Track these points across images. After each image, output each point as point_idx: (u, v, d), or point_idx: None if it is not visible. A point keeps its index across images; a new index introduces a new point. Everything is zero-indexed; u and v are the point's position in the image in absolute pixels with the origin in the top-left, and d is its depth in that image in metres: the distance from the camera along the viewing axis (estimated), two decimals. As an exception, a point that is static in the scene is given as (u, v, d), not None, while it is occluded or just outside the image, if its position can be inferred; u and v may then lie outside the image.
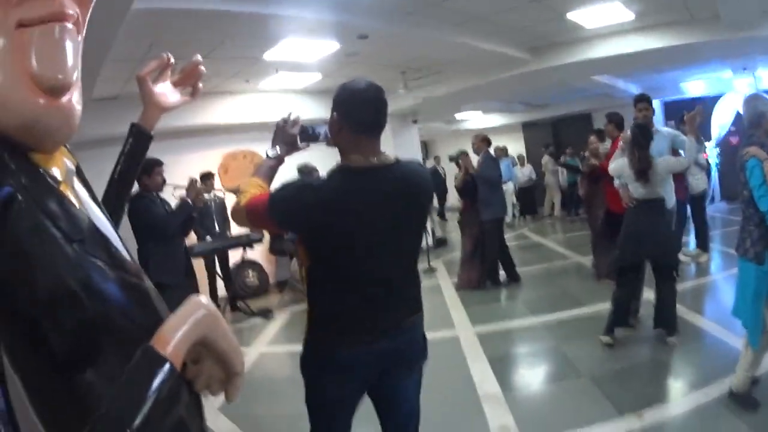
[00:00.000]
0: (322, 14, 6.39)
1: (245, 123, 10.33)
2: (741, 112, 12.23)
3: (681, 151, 6.14)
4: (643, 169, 5.56)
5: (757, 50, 10.31)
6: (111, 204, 1.81)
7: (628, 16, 8.23)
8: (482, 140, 9.01)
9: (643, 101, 6.57)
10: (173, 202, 6.26)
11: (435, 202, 18.74)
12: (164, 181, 6.20)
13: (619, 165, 5.96)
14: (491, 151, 9.27)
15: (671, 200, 6.08)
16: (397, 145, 13.29)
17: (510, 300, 8.37)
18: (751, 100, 4.34)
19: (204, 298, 1.15)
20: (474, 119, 20.89)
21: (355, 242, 2.36)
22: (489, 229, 8.79)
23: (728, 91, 15.75)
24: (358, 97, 2.43)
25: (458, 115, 19.89)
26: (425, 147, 23.39)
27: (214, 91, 9.83)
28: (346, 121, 2.43)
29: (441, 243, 13.88)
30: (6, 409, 0.96)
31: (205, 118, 9.90)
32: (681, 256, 8.75)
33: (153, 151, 5.53)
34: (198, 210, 6.23)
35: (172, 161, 6.39)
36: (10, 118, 1.08)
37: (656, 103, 16.46)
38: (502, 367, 5.70)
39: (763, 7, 7.48)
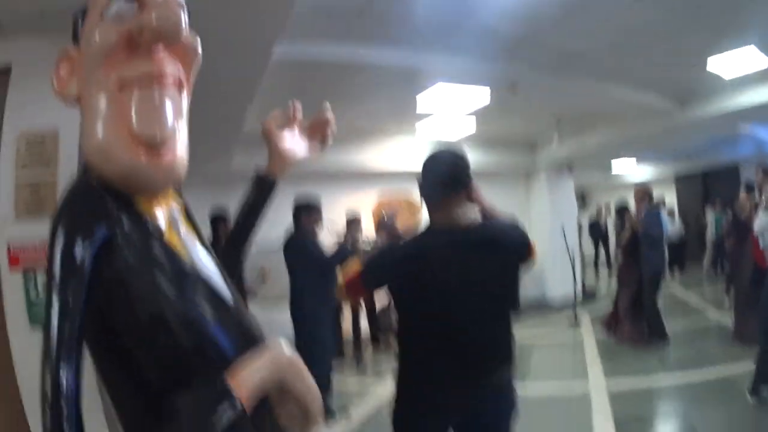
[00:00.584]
0: (472, 63, 6.59)
1: (399, 170, 10.51)
2: None
3: None
4: None
5: None
6: (234, 247, 1.92)
7: (764, 61, 7.80)
8: (645, 193, 8.74)
9: None
10: (325, 237, 6.57)
11: (596, 252, 19.17)
12: (320, 225, 6.42)
13: (763, 223, 5.89)
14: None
15: None
16: (552, 195, 13.31)
17: (649, 358, 8.02)
18: None
19: (286, 343, 1.31)
20: (629, 170, 20.44)
21: (434, 295, 2.51)
22: (648, 286, 8.50)
23: None
24: (432, 162, 2.70)
25: (613, 166, 19.53)
26: (582, 197, 22.98)
27: (370, 131, 10.12)
28: (425, 185, 2.69)
29: (590, 295, 13.54)
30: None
31: (360, 161, 10.22)
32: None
33: (307, 189, 5.86)
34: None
35: (325, 201, 6.67)
36: (113, 169, 1.27)
37: None
38: (626, 428, 5.54)
39: None
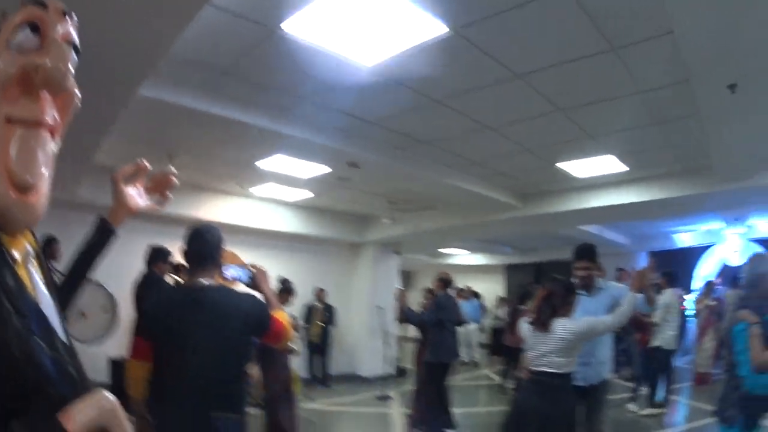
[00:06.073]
0: (315, 138, 6.71)
1: (233, 224, 10.44)
2: (728, 264, 12.20)
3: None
4: (541, 320, 4.69)
5: (752, 200, 10.21)
6: (68, 285, 1.98)
7: (620, 167, 8.34)
8: (439, 280, 8.67)
9: (582, 259, 5.39)
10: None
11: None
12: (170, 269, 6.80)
13: (523, 327, 4.98)
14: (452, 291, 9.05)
15: (596, 375, 5.21)
16: (377, 272, 13.55)
17: None
18: (754, 260, 4.21)
19: (108, 392, 1.36)
20: (458, 256, 21.18)
21: (169, 341, 3.04)
22: (430, 372, 8.35)
23: (718, 241, 16.01)
24: (190, 237, 3.26)
25: (443, 250, 20.17)
26: (407, 277, 23.50)
27: (207, 187, 10.09)
28: (185, 254, 3.26)
29: (402, 373, 13.60)
30: None
31: (195, 211, 9.92)
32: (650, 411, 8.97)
33: (142, 233, 6.09)
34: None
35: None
36: None
37: (644, 253, 16.82)
38: None
39: (760, 155, 7.35)
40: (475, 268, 21.76)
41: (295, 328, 8.53)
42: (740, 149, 7.07)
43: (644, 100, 5.91)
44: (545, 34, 4.56)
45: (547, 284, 4.99)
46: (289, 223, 11.66)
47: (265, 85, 5.68)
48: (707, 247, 16.48)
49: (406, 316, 8.62)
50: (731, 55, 4.35)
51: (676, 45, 4.35)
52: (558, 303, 4.67)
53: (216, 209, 10.45)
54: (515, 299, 12.46)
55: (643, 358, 10.00)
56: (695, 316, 12.83)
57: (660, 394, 9.29)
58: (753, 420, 3.92)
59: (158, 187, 2.13)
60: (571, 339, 4.48)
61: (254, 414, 5.38)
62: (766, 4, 3.68)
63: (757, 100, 5.29)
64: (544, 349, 4.54)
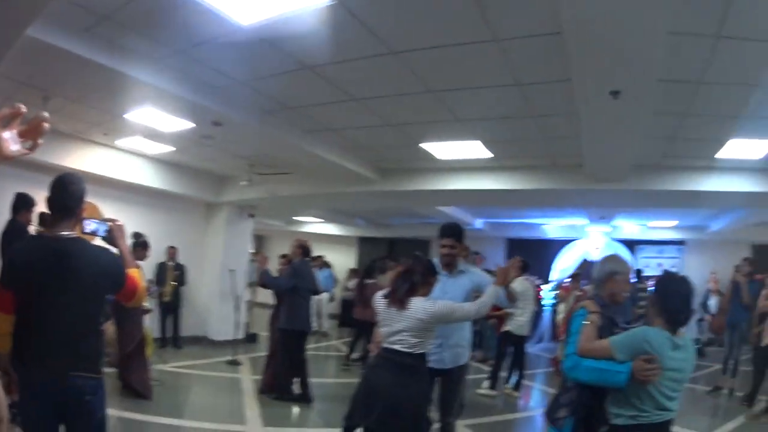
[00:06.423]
0: (181, 92, 6.56)
1: (95, 174, 10.02)
2: (589, 259, 12.80)
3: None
4: (397, 296, 4.44)
5: (618, 202, 10.81)
6: None
7: (485, 154, 8.55)
8: (298, 247, 8.54)
9: (449, 236, 5.35)
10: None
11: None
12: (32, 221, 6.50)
13: (378, 302, 4.68)
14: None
15: (452, 359, 5.19)
16: (230, 234, 13.47)
17: (306, 408, 8.07)
18: (606, 261, 4.21)
19: None
20: (312, 224, 21.26)
21: (28, 293, 3.04)
22: (284, 339, 8.26)
23: (581, 236, 16.70)
24: (53, 186, 3.22)
25: (298, 217, 20.18)
26: (260, 241, 23.41)
27: (76, 136, 9.69)
28: (49, 201, 3.23)
29: (252, 338, 13.65)
30: None
31: (62, 159, 9.47)
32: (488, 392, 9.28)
33: (11, 178, 6.75)
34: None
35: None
36: None
37: (502, 240, 17.58)
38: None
39: (632, 160, 7.80)
40: (328, 238, 21.80)
41: (148, 287, 8.39)
42: (614, 153, 7.47)
43: (520, 93, 6.08)
44: (429, 16, 4.59)
45: (406, 260, 4.78)
46: (147, 176, 11.35)
47: (143, 35, 5.46)
48: (569, 241, 17.25)
49: (264, 279, 8.53)
50: (616, 63, 4.54)
51: (563, 46, 4.46)
52: (417, 281, 4.47)
53: (82, 159, 9.98)
54: (362, 273, 12.41)
55: (497, 342, 10.29)
56: (556, 304, 13.50)
57: (513, 379, 9.69)
58: (584, 426, 3.74)
59: (31, 132, 2.00)
60: (426, 320, 4.31)
61: (108, 373, 5.23)
62: (654, 19, 3.86)
63: (636, 108, 5.59)
64: (398, 327, 4.36)
